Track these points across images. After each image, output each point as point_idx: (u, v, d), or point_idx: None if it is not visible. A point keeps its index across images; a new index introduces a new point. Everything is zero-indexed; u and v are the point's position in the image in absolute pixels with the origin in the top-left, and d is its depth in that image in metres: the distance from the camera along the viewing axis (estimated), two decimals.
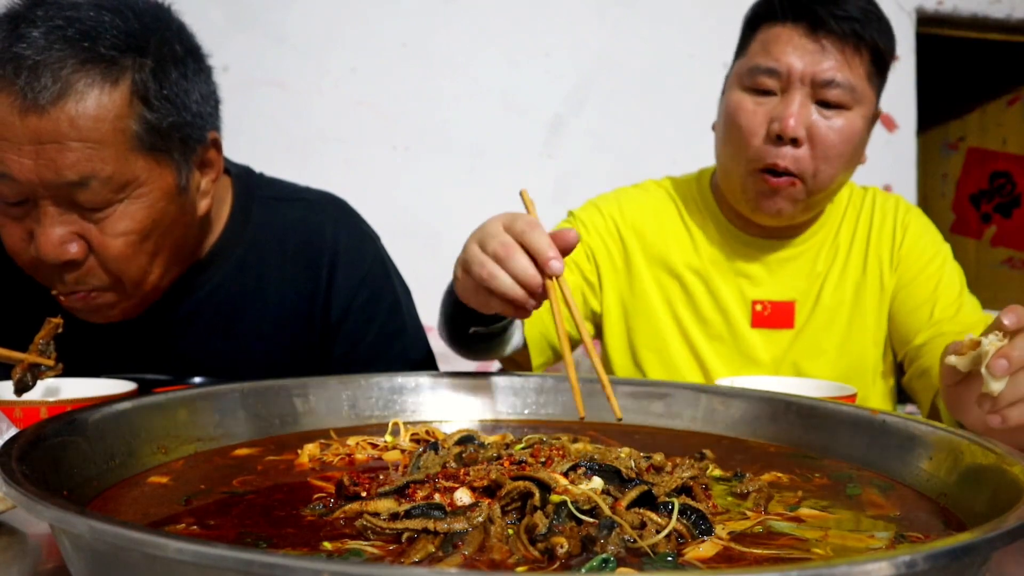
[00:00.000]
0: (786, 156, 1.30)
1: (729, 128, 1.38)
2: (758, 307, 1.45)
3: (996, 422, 0.81)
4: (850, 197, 1.51)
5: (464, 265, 0.97)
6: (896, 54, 1.49)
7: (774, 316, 1.45)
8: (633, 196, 1.54)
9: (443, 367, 1.48)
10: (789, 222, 1.42)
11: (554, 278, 0.90)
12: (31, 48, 0.99)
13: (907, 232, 1.46)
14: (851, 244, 1.47)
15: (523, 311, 0.94)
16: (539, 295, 0.91)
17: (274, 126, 2.76)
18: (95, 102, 1.01)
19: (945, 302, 1.40)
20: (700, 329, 1.47)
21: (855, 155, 1.37)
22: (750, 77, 1.35)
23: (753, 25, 1.39)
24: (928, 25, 3.50)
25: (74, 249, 1.06)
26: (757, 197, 1.36)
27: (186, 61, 1.11)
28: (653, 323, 1.48)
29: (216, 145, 1.18)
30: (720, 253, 1.48)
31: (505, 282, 0.90)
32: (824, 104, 1.31)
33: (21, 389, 0.93)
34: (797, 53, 1.31)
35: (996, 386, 0.79)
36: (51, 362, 0.96)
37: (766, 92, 1.33)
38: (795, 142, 1.30)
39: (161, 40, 1.08)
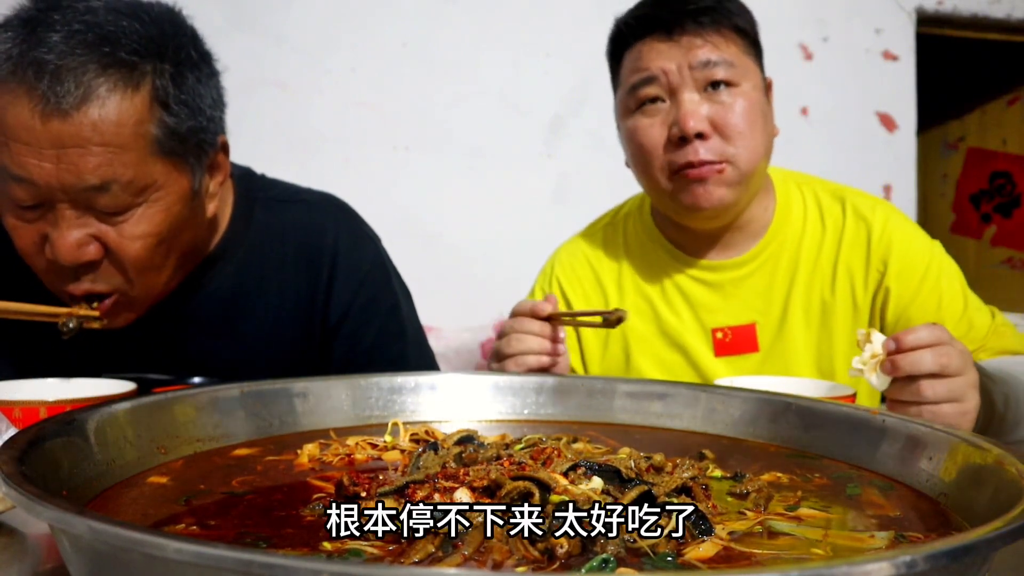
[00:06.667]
0: (697, 152, 1.27)
1: (636, 152, 1.35)
2: (719, 335, 1.41)
3: (890, 406, 1.02)
4: (807, 200, 1.43)
5: (496, 357, 1.23)
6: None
7: (736, 341, 1.40)
8: (570, 265, 1.51)
9: (443, 367, 1.48)
10: (729, 215, 1.36)
11: (551, 319, 1.19)
12: (52, 52, 0.99)
13: (891, 252, 1.36)
14: (816, 257, 1.39)
15: (549, 358, 1.19)
16: (553, 335, 1.20)
17: (274, 126, 2.76)
18: (116, 107, 1.02)
19: (952, 320, 1.33)
20: (662, 375, 1.43)
21: (765, 127, 1.33)
22: (633, 96, 1.33)
23: (616, 56, 1.38)
24: (928, 25, 3.49)
25: (92, 251, 1.06)
26: (691, 193, 1.30)
27: (200, 66, 1.12)
28: None
29: (224, 148, 1.19)
30: (672, 286, 1.44)
31: (525, 341, 1.19)
32: (713, 86, 1.28)
33: (65, 333, 1.07)
34: (664, 56, 1.29)
35: (876, 383, 1.01)
36: (96, 313, 1.09)
37: (653, 101, 1.31)
38: (701, 137, 1.27)
39: (178, 45, 1.09)
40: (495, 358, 1.22)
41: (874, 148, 3.30)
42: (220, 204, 1.26)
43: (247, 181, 1.34)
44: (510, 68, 3.00)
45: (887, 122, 3.35)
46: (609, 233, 1.52)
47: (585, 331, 1.48)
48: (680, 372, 1.43)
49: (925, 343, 0.98)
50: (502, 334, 1.21)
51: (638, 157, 1.35)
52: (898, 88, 3.34)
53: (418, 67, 2.92)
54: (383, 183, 2.86)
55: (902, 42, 3.33)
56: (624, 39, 1.35)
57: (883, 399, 1.48)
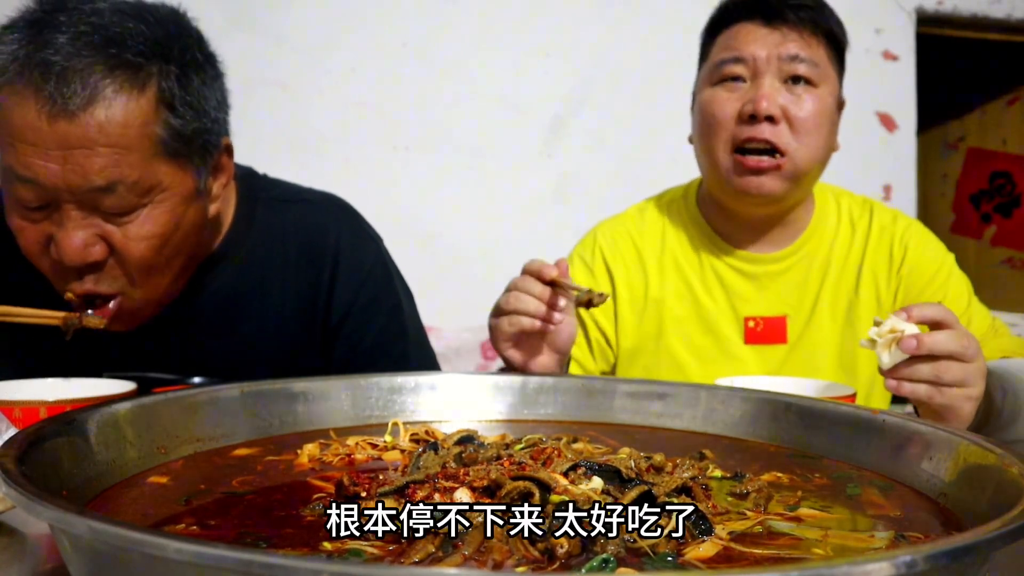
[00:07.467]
0: (763, 131, 1.33)
1: (705, 122, 1.41)
2: (751, 323, 1.46)
3: (891, 386, 1.00)
4: (842, 208, 1.51)
5: (495, 313, 1.18)
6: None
7: (767, 332, 1.45)
8: (613, 239, 1.54)
9: (443, 367, 1.48)
10: (775, 208, 1.42)
11: (557, 285, 1.12)
12: (59, 54, 0.99)
13: (907, 250, 1.45)
14: (845, 260, 1.47)
15: (548, 318, 1.12)
16: (552, 300, 1.13)
17: (274, 127, 2.76)
18: (123, 108, 1.02)
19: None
20: (691, 356, 1.47)
21: (830, 135, 1.39)
22: (717, 72, 1.39)
23: (712, 33, 1.44)
24: (928, 25, 3.49)
25: (97, 251, 1.06)
26: (742, 177, 1.36)
27: (205, 68, 1.13)
28: (651, 365, 1.49)
29: (228, 150, 1.20)
30: (711, 272, 1.49)
31: (523, 300, 1.13)
32: (793, 80, 1.34)
33: (67, 333, 1.09)
34: (759, 42, 1.35)
35: (886, 360, 0.99)
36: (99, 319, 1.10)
37: (736, 79, 1.37)
38: (771, 120, 1.33)
39: (183, 47, 1.09)
40: (493, 313, 1.21)
41: (874, 148, 3.30)
42: (223, 204, 1.26)
43: (249, 181, 1.34)
44: (510, 68, 3.01)
45: (887, 122, 3.35)
46: (652, 215, 1.57)
47: (621, 301, 1.51)
48: (709, 355, 1.47)
49: (928, 317, 1.01)
50: (506, 289, 1.19)
51: (706, 127, 1.40)
52: (898, 88, 3.34)
53: (418, 67, 2.92)
54: (383, 183, 2.86)
55: (902, 42, 3.33)
56: (726, 19, 1.41)
57: (893, 400, 1.50)
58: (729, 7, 1.42)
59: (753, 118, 1.33)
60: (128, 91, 1.03)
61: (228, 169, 1.21)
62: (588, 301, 1.08)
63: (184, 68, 1.08)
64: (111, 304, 1.12)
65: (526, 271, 1.18)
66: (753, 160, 1.34)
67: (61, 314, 1.08)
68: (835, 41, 1.39)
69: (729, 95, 1.37)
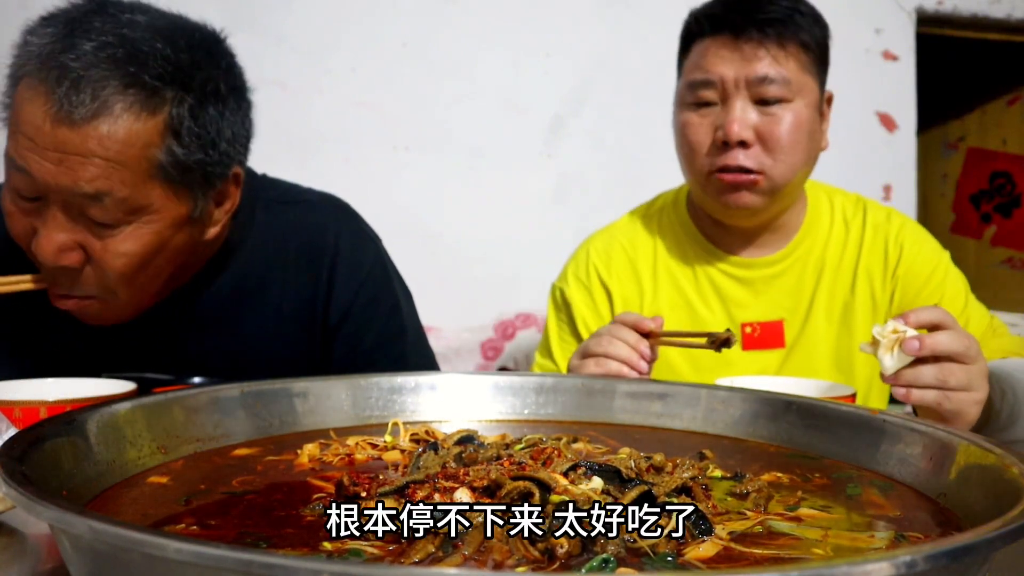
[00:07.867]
0: (737, 157, 1.33)
1: (682, 146, 1.42)
2: (748, 329, 1.46)
3: (900, 394, 1.01)
4: (835, 208, 1.50)
5: (581, 354, 1.21)
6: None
7: (764, 337, 1.46)
8: (606, 254, 1.54)
9: (443, 367, 1.48)
10: (762, 217, 1.42)
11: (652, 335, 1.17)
12: (79, 60, 1.00)
13: (903, 250, 1.45)
14: (840, 261, 1.47)
15: (631, 371, 1.15)
16: (645, 353, 1.16)
17: (274, 126, 2.75)
18: (127, 127, 1.02)
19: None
20: (689, 366, 1.47)
21: (810, 143, 1.38)
22: (690, 94, 1.39)
23: (685, 45, 1.44)
24: (928, 25, 3.49)
25: (73, 257, 1.07)
26: (722, 195, 1.37)
27: (227, 100, 1.12)
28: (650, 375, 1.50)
29: (236, 179, 1.19)
30: (705, 279, 1.49)
31: (615, 345, 1.16)
32: (764, 102, 1.34)
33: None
34: (726, 62, 1.34)
35: (889, 364, 1.00)
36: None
37: (708, 104, 1.37)
38: (743, 144, 1.33)
39: (207, 77, 1.08)
40: (579, 355, 1.22)
41: (874, 148, 3.29)
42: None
43: (248, 182, 1.34)
44: (510, 68, 3.00)
45: (887, 122, 3.35)
46: (644, 224, 1.57)
47: (617, 306, 1.51)
48: (706, 363, 1.46)
49: (926, 320, 1.01)
50: (596, 334, 1.21)
51: (683, 151, 1.42)
52: (898, 88, 3.34)
53: (418, 67, 2.92)
54: (383, 183, 2.86)
55: (902, 42, 3.33)
56: (696, 30, 1.41)
57: (891, 400, 1.50)
58: (697, 18, 1.41)
59: (726, 144, 1.33)
60: (137, 112, 1.02)
61: (233, 198, 1.20)
62: (726, 340, 1.10)
63: (202, 99, 1.08)
64: (75, 300, 1.13)
65: (621, 321, 1.20)
66: (730, 176, 1.34)
67: (29, 277, 1.09)
68: (808, 47, 1.37)
69: (701, 120, 1.37)
